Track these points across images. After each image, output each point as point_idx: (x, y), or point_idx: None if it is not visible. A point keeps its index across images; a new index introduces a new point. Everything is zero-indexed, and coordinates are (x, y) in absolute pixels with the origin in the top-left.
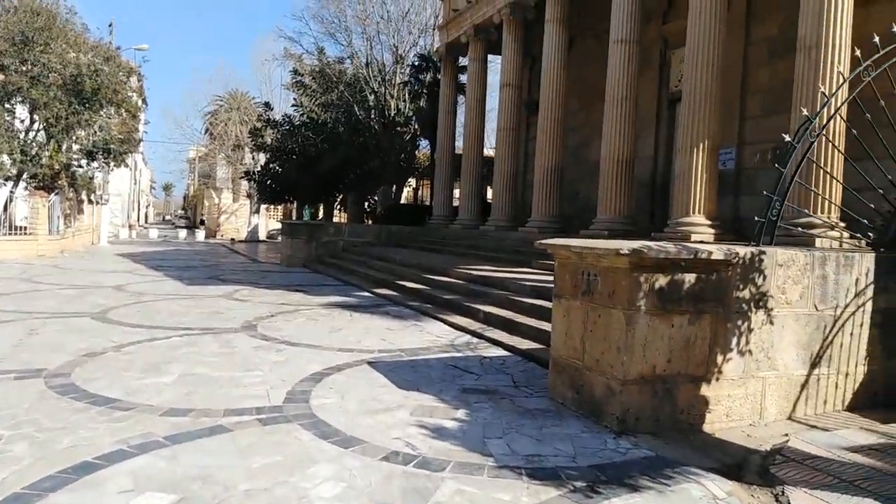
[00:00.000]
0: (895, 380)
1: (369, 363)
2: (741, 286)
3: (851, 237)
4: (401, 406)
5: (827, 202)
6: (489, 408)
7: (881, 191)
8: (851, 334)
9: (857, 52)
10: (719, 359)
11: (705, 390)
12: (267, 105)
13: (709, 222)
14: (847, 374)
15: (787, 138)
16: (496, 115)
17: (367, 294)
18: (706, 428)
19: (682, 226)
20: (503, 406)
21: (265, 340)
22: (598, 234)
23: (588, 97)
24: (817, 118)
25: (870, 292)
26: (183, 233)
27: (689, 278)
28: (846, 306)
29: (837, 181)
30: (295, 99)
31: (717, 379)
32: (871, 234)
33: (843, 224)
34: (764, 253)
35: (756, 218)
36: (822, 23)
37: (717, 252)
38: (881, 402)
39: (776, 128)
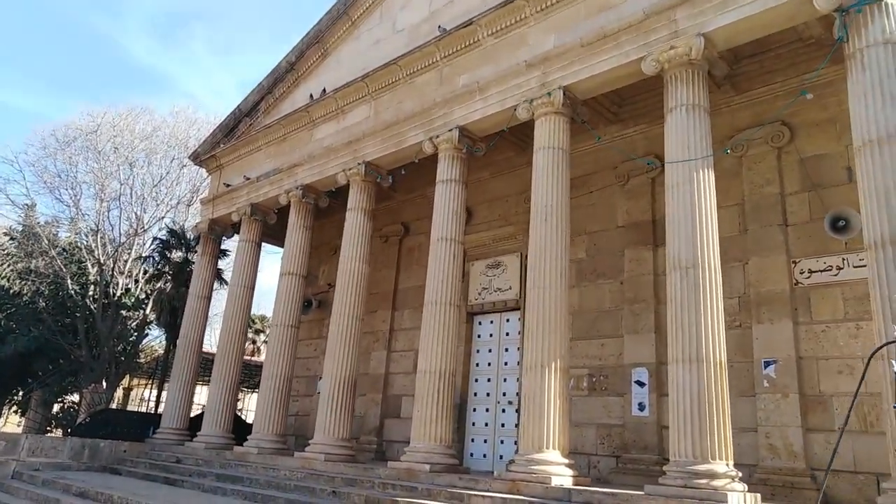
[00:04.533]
0: None
1: None
2: None
3: None
4: None
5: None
6: None
7: None
8: None
9: None
10: None
11: None
12: None
13: (566, 461)
14: None
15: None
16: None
17: None
18: None
19: (536, 464)
20: None
21: None
22: (417, 468)
23: (370, 302)
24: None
25: None
26: None
27: None
28: None
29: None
30: None
31: None
32: None
33: (739, 473)
34: None
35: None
36: (698, 243)
37: None
38: None
39: (589, 353)
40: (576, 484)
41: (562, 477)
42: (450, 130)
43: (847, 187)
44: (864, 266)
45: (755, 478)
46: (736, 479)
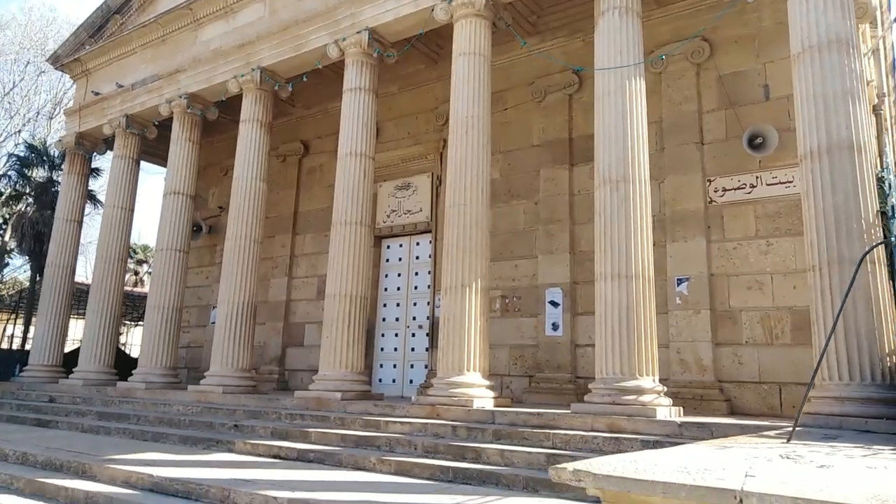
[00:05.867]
0: None
1: None
2: None
3: None
4: None
5: (649, 363)
6: None
7: None
8: None
9: None
10: None
11: None
12: None
13: (487, 382)
14: None
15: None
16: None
17: None
18: None
19: (456, 387)
20: None
21: None
22: (327, 396)
23: (268, 227)
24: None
25: None
26: None
27: None
28: None
29: None
30: None
31: None
32: None
33: (665, 388)
34: None
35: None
36: (629, 156)
37: None
38: None
39: (502, 275)
40: (497, 405)
41: (483, 399)
42: (358, 33)
43: (763, 105)
44: (777, 184)
45: (667, 392)
46: (662, 395)
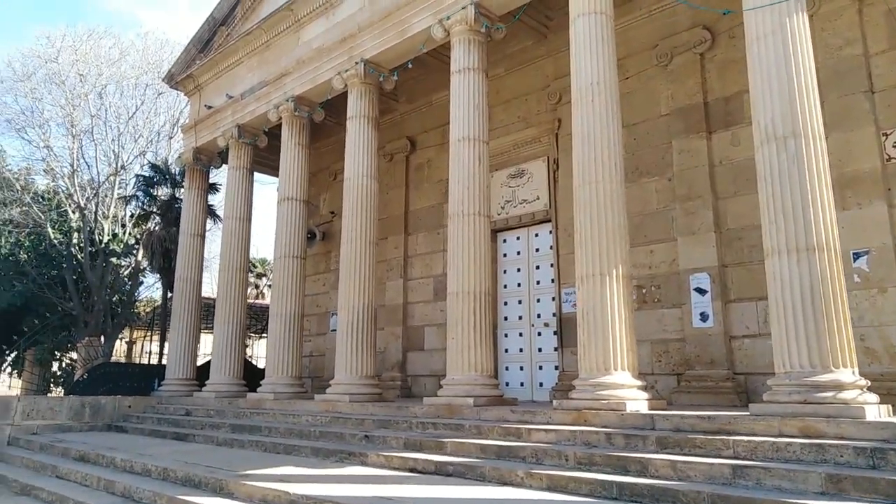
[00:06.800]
0: None
1: None
2: None
3: None
4: None
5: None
6: None
7: None
8: None
9: None
10: None
11: None
12: None
13: (638, 382)
14: None
15: None
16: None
17: None
18: None
19: (603, 388)
20: None
21: None
22: (458, 402)
23: (379, 228)
24: None
25: None
26: None
27: None
28: None
29: None
30: None
31: None
32: None
33: (868, 382)
34: None
35: None
36: (798, 106)
37: None
38: None
39: (636, 262)
40: (652, 408)
41: (636, 401)
42: (463, 8)
43: None
44: None
45: None
46: (865, 390)
